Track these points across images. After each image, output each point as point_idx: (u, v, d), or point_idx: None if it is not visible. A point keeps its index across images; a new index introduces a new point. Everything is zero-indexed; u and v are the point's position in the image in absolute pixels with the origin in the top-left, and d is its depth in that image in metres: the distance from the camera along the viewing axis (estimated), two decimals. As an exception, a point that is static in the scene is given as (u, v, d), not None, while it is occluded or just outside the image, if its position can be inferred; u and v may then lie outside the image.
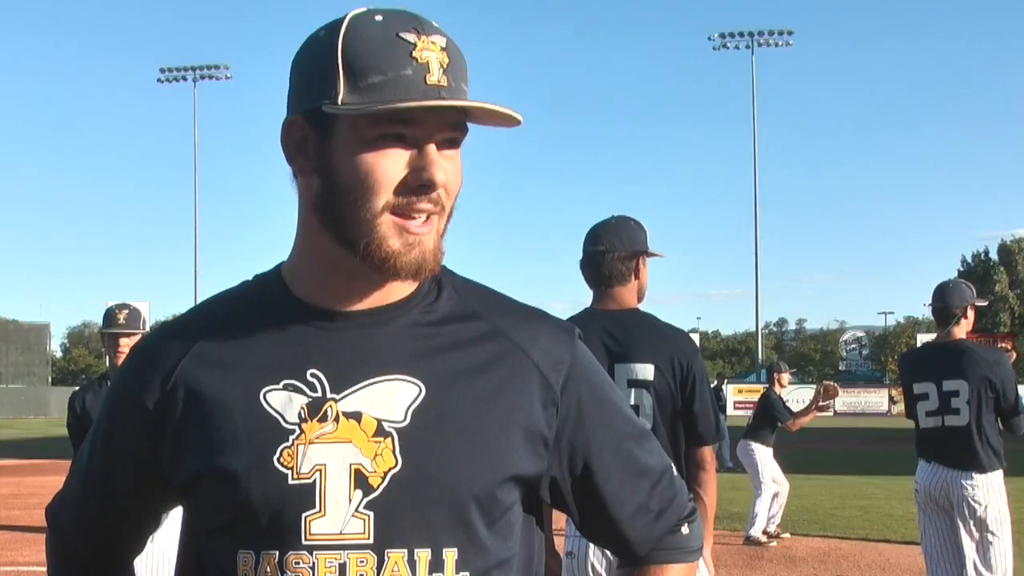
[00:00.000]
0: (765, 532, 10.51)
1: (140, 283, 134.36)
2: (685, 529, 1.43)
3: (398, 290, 1.29)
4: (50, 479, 16.08)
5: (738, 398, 53.91)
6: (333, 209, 1.23)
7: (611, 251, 3.49)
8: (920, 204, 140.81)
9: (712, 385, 12.51)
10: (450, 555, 1.23)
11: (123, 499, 1.37)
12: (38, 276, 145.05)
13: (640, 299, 3.60)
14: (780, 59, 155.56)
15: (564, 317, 3.50)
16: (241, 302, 1.33)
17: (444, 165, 1.22)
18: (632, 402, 3.35)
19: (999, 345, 33.25)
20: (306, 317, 1.28)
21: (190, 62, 60.41)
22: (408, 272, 1.23)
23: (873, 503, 13.05)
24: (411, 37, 1.19)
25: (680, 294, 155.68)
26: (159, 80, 54.42)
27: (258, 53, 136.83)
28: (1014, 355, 9.28)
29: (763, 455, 11.08)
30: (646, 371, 3.37)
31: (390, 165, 1.20)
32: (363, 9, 1.23)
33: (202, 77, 53.44)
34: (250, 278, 1.37)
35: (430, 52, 1.20)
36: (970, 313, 5.21)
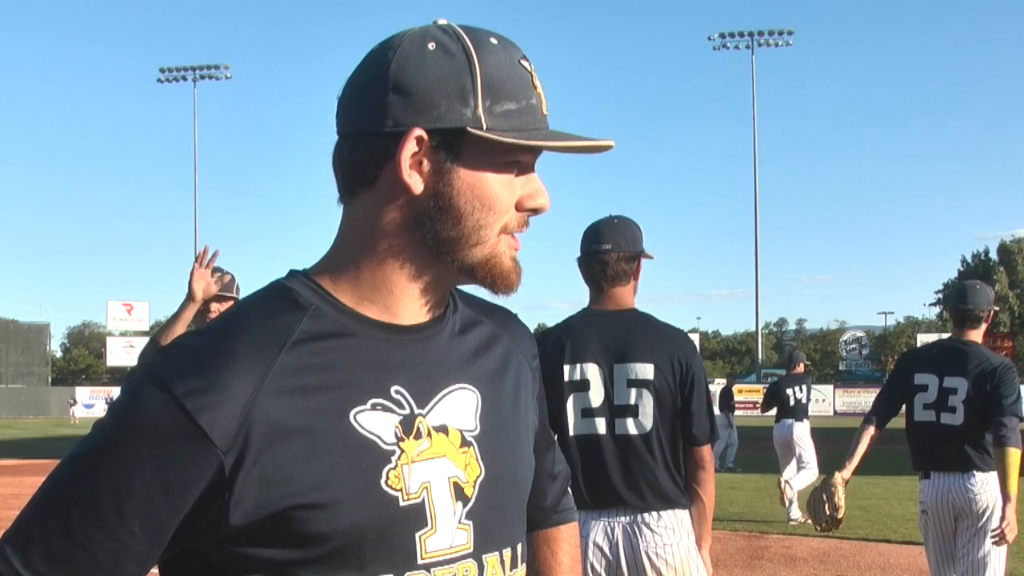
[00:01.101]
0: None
1: (140, 283, 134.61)
2: (569, 489, 1.63)
3: (437, 303, 1.30)
4: (50, 479, 16.04)
5: (738, 398, 53.87)
6: (448, 228, 1.21)
7: (616, 250, 3.49)
8: (920, 204, 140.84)
9: (723, 386, 13.84)
10: (519, 550, 1.32)
11: (141, 553, 1.13)
12: (38, 276, 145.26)
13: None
14: (780, 59, 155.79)
15: (564, 317, 3.53)
16: (289, 316, 1.20)
17: None
18: (632, 401, 3.36)
19: (999, 345, 33.27)
20: (370, 332, 1.23)
21: (190, 62, 60.51)
22: (515, 287, 1.27)
23: (873, 503, 13.05)
24: (528, 65, 1.24)
25: (680, 294, 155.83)
26: (159, 80, 54.47)
27: (258, 53, 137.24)
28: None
29: (801, 432, 12.11)
30: (646, 370, 3.37)
31: (511, 189, 1.24)
32: (467, 25, 1.24)
33: (202, 77, 53.45)
34: (267, 287, 1.27)
35: (539, 82, 1.25)
36: (990, 318, 5.12)
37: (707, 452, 3.48)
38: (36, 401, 61.13)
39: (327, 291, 1.24)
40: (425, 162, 1.20)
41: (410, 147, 1.18)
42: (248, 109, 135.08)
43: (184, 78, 53.49)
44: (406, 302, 1.25)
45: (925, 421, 5.03)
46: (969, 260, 67.96)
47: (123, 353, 56.08)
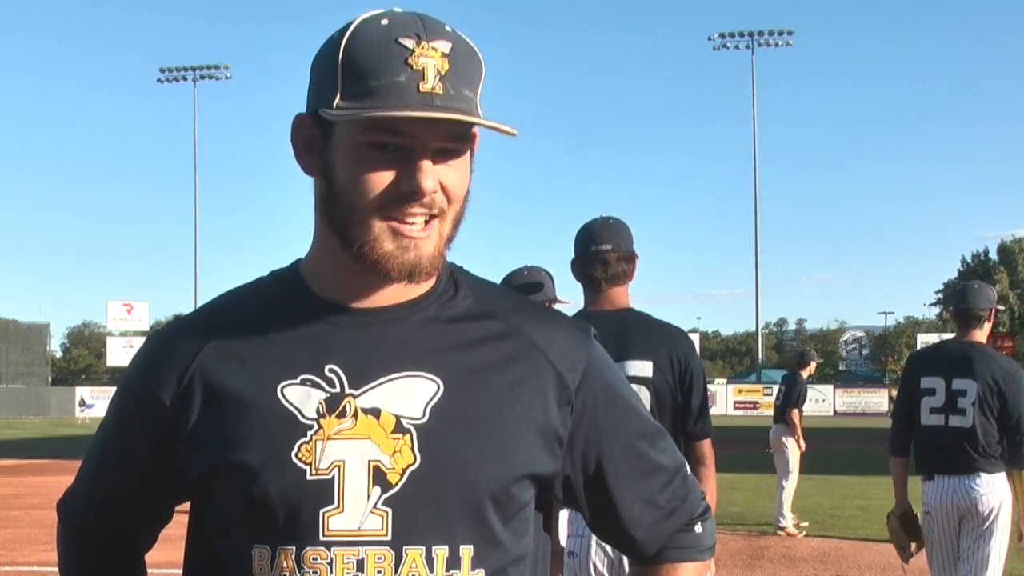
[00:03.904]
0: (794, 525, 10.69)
1: (140, 283, 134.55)
2: (698, 528, 1.43)
3: (414, 287, 1.29)
4: (50, 479, 16.08)
5: (738, 398, 53.87)
6: (333, 209, 1.24)
7: (616, 250, 3.50)
8: (920, 204, 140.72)
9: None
10: (466, 552, 1.24)
11: (135, 494, 1.37)
12: (38, 276, 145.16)
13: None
14: (780, 59, 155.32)
15: (563, 316, 3.52)
16: (258, 297, 1.33)
17: (441, 172, 1.22)
18: (631, 400, 3.36)
19: (999, 345, 33.22)
20: (323, 313, 1.28)
21: (190, 62, 60.50)
22: (400, 274, 1.23)
23: (873, 503, 13.04)
24: (410, 43, 1.18)
25: (680, 294, 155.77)
26: (159, 80, 54.50)
27: (258, 53, 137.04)
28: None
29: (791, 442, 11.10)
30: (645, 368, 3.38)
31: (380, 172, 1.20)
32: (375, 12, 1.22)
33: (202, 77, 53.47)
34: (266, 274, 1.37)
35: (428, 58, 1.18)
36: (992, 316, 5.12)
37: (708, 448, 3.49)
38: (36, 401, 61.07)
39: (299, 273, 1.33)
40: (316, 146, 1.26)
41: (296, 131, 1.27)
42: (248, 109, 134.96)
43: (184, 78, 53.52)
44: (350, 284, 1.28)
45: (933, 425, 5.00)
46: (969, 260, 67.95)
47: (123, 353, 56.01)
